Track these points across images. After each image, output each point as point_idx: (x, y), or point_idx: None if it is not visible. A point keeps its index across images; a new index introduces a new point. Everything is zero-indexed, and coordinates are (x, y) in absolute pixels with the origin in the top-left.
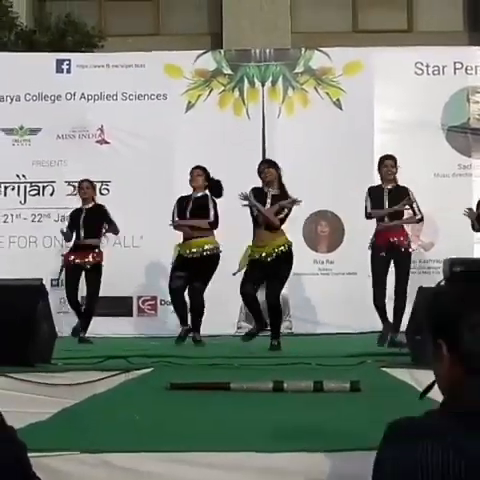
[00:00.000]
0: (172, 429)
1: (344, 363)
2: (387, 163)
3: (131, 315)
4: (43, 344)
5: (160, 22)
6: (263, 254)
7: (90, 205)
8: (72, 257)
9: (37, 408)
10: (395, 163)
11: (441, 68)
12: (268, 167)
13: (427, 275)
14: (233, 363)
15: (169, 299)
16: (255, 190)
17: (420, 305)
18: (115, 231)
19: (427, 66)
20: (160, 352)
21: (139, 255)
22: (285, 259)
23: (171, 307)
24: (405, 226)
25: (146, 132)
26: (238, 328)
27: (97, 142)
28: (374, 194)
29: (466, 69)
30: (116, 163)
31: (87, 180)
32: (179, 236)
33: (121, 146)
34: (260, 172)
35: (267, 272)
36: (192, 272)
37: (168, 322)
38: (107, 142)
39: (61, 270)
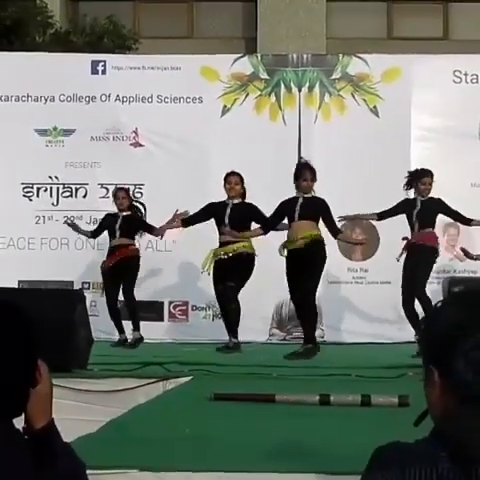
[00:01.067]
0: (223, 445)
1: (384, 375)
2: (425, 181)
3: (162, 320)
4: (80, 350)
5: (194, 25)
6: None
7: (126, 213)
8: (108, 262)
9: (77, 415)
10: (432, 178)
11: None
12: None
13: None
14: (272, 372)
15: (200, 304)
16: None
17: None
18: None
19: (465, 74)
20: (197, 359)
21: (171, 260)
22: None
23: (202, 312)
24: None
25: (181, 135)
26: (270, 335)
27: (131, 145)
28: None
29: None
30: (150, 166)
31: (122, 189)
32: (212, 240)
33: (155, 149)
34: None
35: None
36: (226, 273)
37: (200, 328)
38: (141, 145)
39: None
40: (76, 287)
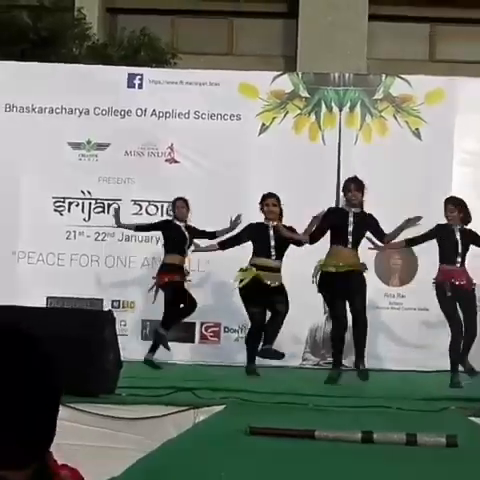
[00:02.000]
0: None
1: (425, 408)
2: (448, 208)
3: (193, 341)
4: (108, 374)
5: (233, 42)
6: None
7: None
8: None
9: (102, 442)
10: (455, 205)
11: None
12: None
13: None
14: (308, 403)
15: (233, 326)
16: None
17: None
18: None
19: None
20: (228, 385)
21: (205, 280)
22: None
23: (234, 335)
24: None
25: (217, 153)
26: (303, 360)
27: (166, 161)
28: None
29: None
30: (185, 183)
31: (181, 199)
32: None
33: (191, 166)
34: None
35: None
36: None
37: (231, 350)
38: (177, 161)
39: (155, 291)
40: (105, 305)
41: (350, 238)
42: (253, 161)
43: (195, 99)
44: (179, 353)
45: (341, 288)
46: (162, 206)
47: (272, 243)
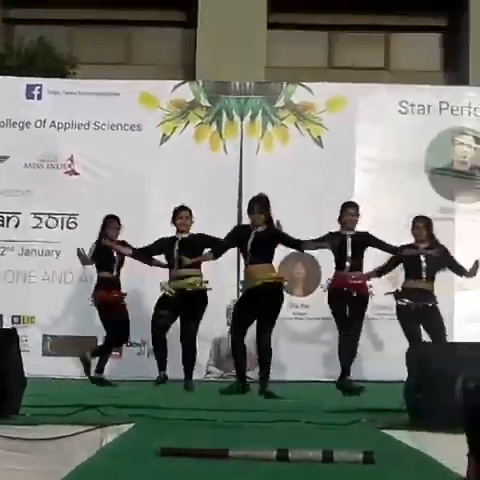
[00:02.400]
0: None
1: (335, 420)
2: (349, 211)
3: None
4: (12, 392)
5: (131, 51)
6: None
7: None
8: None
9: (4, 464)
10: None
11: (426, 107)
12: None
13: None
14: (216, 419)
15: (135, 340)
16: None
17: (420, 360)
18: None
19: (412, 105)
20: (136, 402)
21: None
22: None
23: (137, 348)
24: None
25: (118, 164)
26: (207, 373)
27: (66, 173)
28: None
29: (452, 109)
30: (85, 195)
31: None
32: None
33: (91, 178)
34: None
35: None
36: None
37: (134, 364)
38: (77, 173)
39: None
40: (5, 320)
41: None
42: (154, 171)
43: (95, 109)
44: (80, 368)
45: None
46: (62, 219)
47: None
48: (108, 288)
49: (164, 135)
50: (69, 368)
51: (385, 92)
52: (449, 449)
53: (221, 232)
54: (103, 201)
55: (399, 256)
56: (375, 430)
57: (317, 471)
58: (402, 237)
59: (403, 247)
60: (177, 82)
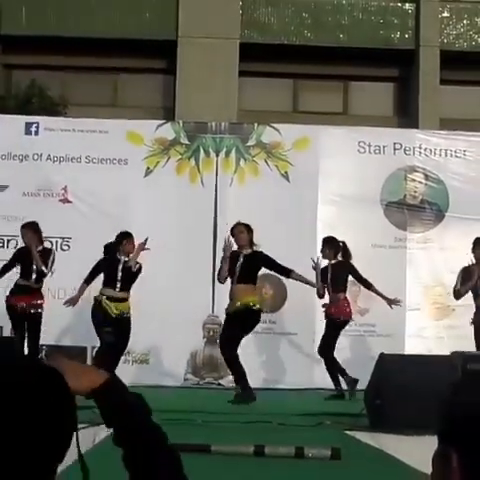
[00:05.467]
0: None
1: (303, 423)
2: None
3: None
4: None
5: (117, 94)
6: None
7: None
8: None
9: None
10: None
11: (382, 148)
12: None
13: (362, 337)
14: (196, 419)
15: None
16: None
17: (379, 370)
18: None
19: (369, 145)
20: None
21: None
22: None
23: (123, 357)
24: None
25: (107, 194)
26: (185, 380)
27: (60, 201)
28: None
29: (405, 150)
30: (77, 221)
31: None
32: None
33: (82, 206)
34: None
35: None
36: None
37: (121, 372)
38: (70, 201)
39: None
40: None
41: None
42: (139, 201)
43: (86, 145)
44: None
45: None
46: (56, 242)
47: (119, 276)
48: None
49: (148, 169)
50: None
51: (345, 133)
52: (405, 448)
53: (197, 255)
54: (93, 226)
55: None
56: (339, 431)
57: (290, 465)
58: (362, 264)
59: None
60: (160, 122)
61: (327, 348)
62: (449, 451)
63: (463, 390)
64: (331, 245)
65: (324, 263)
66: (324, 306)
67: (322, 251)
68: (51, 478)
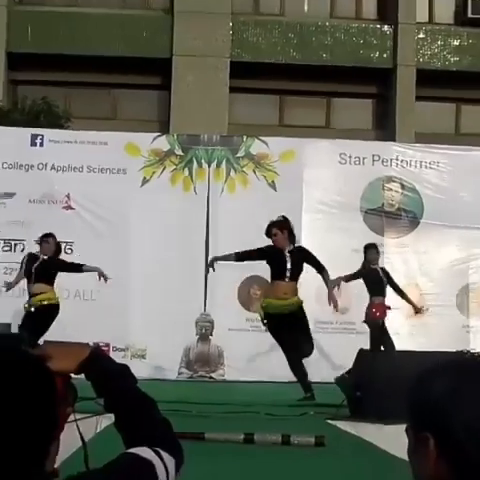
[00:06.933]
0: None
1: (289, 413)
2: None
3: None
4: None
5: (116, 108)
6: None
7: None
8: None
9: None
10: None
11: (361, 159)
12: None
13: (342, 334)
14: (191, 410)
15: (120, 346)
16: None
17: (359, 365)
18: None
19: (350, 157)
20: None
21: (97, 307)
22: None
23: (122, 353)
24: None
25: (106, 201)
26: (179, 374)
27: (63, 208)
28: None
29: (382, 161)
30: (79, 226)
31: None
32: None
33: (84, 212)
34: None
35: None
36: None
37: None
38: (72, 208)
39: None
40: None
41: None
42: (136, 208)
43: (87, 156)
44: None
45: None
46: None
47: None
48: None
49: (145, 178)
50: None
51: (327, 146)
52: (382, 435)
53: (190, 258)
54: (94, 231)
55: None
56: (322, 420)
57: (278, 451)
58: (342, 266)
59: None
60: (156, 134)
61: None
62: (425, 435)
63: (428, 377)
64: (376, 250)
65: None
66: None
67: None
68: (46, 449)
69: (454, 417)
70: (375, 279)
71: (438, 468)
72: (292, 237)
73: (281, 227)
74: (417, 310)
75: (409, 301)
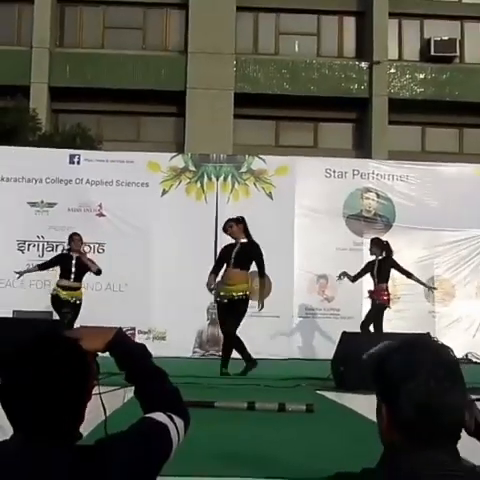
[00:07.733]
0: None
1: (284, 385)
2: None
3: None
4: None
5: (140, 132)
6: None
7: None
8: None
9: None
10: None
11: (343, 173)
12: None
13: (329, 319)
14: (202, 382)
15: (144, 329)
16: None
17: (342, 345)
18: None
19: (334, 171)
20: None
21: (124, 297)
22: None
23: (145, 335)
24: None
25: (132, 209)
26: (193, 353)
27: (97, 215)
28: None
29: (361, 175)
30: (109, 231)
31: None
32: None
33: (114, 219)
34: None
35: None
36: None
37: None
38: (104, 215)
39: None
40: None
41: None
42: (157, 215)
43: (116, 172)
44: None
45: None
46: (94, 246)
47: (73, 269)
48: None
49: (164, 190)
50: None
51: (315, 163)
52: (361, 403)
53: (202, 255)
54: (122, 235)
55: None
56: (312, 391)
57: (275, 416)
58: (328, 265)
59: None
60: (173, 154)
61: (366, 322)
62: (380, 403)
63: (384, 354)
64: (378, 244)
65: (371, 258)
66: (369, 292)
67: (370, 249)
68: (82, 413)
69: (398, 389)
70: (383, 268)
71: (389, 429)
72: (247, 232)
73: (237, 222)
74: (430, 289)
75: (421, 282)
